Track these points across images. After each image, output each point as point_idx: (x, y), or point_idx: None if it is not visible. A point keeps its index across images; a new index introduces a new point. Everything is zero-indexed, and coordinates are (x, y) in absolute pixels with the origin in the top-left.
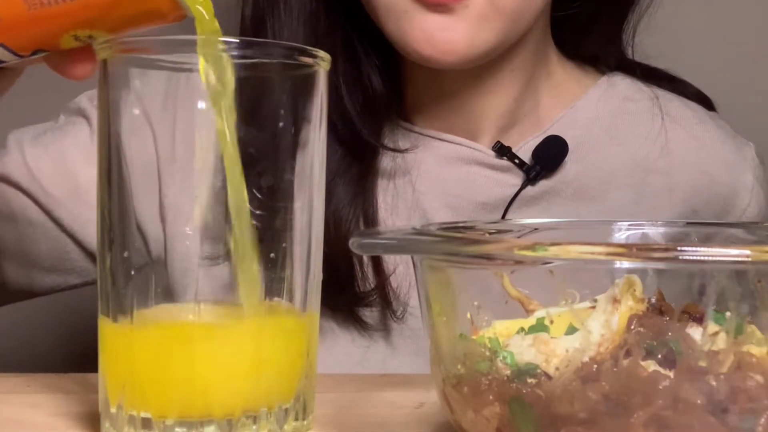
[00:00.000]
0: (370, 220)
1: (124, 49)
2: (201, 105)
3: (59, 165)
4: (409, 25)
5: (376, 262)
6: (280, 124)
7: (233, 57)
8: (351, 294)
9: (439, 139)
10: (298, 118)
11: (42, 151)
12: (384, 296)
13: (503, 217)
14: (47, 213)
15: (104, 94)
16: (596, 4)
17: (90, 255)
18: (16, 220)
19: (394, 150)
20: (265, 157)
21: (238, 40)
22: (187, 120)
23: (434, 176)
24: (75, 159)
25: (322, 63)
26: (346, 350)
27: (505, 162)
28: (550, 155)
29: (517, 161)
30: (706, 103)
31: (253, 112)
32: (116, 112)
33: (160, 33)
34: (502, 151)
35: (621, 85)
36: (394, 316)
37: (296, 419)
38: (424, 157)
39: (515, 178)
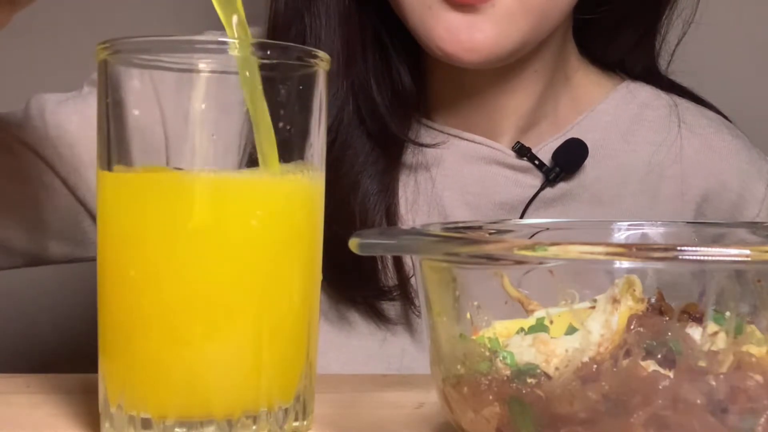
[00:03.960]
0: (392, 215)
1: (123, 50)
2: (201, 105)
3: (80, 134)
4: (434, 22)
5: (397, 258)
6: (280, 124)
7: (231, 59)
8: (374, 288)
9: (460, 138)
10: (298, 118)
11: (64, 119)
12: (405, 292)
13: (521, 218)
14: (64, 180)
15: (103, 95)
16: (622, 10)
17: None
18: (32, 185)
19: (421, 145)
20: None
21: (236, 41)
22: (185, 119)
23: (454, 174)
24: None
25: (321, 63)
26: (363, 342)
27: (525, 162)
28: (570, 158)
29: (536, 162)
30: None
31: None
32: (116, 113)
33: (159, 34)
34: (522, 151)
35: (641, 92)
36: (417, 311)
37: (296, 419)
38: (444, 155)
39: (534, 179)
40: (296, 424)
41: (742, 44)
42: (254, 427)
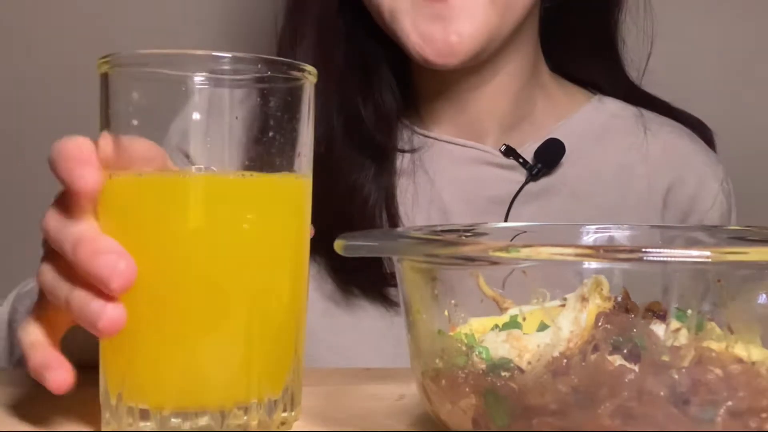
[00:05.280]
0: (393, 217)
1: (123, 64)
2: (196, 116)
3: None
4: (410, 29)
5: None
6: (270, 133)
7: (224, 72)
8: (377, 273)
9: (453, 143)
10: (287, 128)
11: None
12: None
13: (508, 209)
14: None
15: (104, 108)
16: (578, 15)
17: None
18: None
19: (405, 151)
20: (255, 167)
21: (229, 56)
22: (182, 129)
23: (450, 175)
24: None
25: (309, 77)
26: (374, 323)
27: (511, 161)
28: (550, 155)
29: (521, 160)
30: (702, 128)
31: (244, 123)
32: (117, 124)
33: (157, 47)
34: (508, 151)
35: (610, 104)
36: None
37: (284, 410)
38: (440, 160)
39: (519, 176)
40: (284, 414)
41: (705, 54)
42: (245, 418)
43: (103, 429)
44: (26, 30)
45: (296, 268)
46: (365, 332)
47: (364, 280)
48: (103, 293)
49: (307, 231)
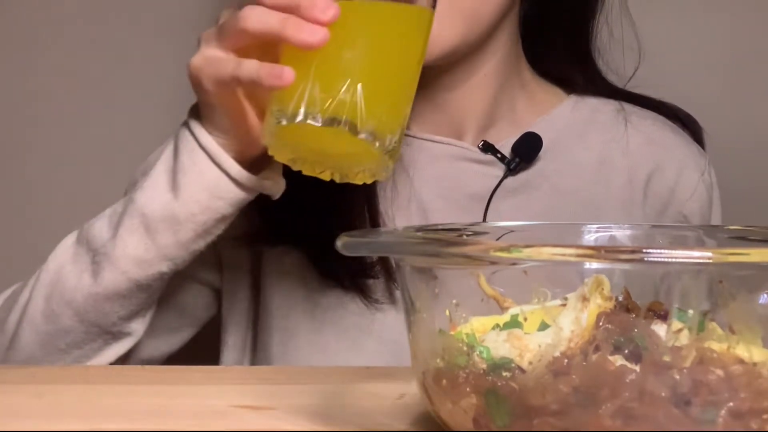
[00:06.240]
0: (373, 208)
1: None
2: None
3: None
4: None
5: None
6: None
7: None
8: (357, 263)
9: (432, 141)
10: None
11: None
12: (386, 267)
13: (487, 205)
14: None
15: None
16: (555, 22)
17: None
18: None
19: None
20: None
21: None
22: None
23: (429, 172)
24: None
25: None
26: (354, 321)
27: (489, 157)
28: (527, 149)
29: (499, 155)
30: (690, 122)
31: None
32: None
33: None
34: (486, 147)
35: (590, 100)
36: (398, 286)
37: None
38: (420, 157)
39: (498, 171)
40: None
41: (697, 56)
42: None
43: (264, 140)
44: (26, 29)
45: (418, 64)
46: (345, 329)
47: (343, 271)
48: None
49: (425, 47)
